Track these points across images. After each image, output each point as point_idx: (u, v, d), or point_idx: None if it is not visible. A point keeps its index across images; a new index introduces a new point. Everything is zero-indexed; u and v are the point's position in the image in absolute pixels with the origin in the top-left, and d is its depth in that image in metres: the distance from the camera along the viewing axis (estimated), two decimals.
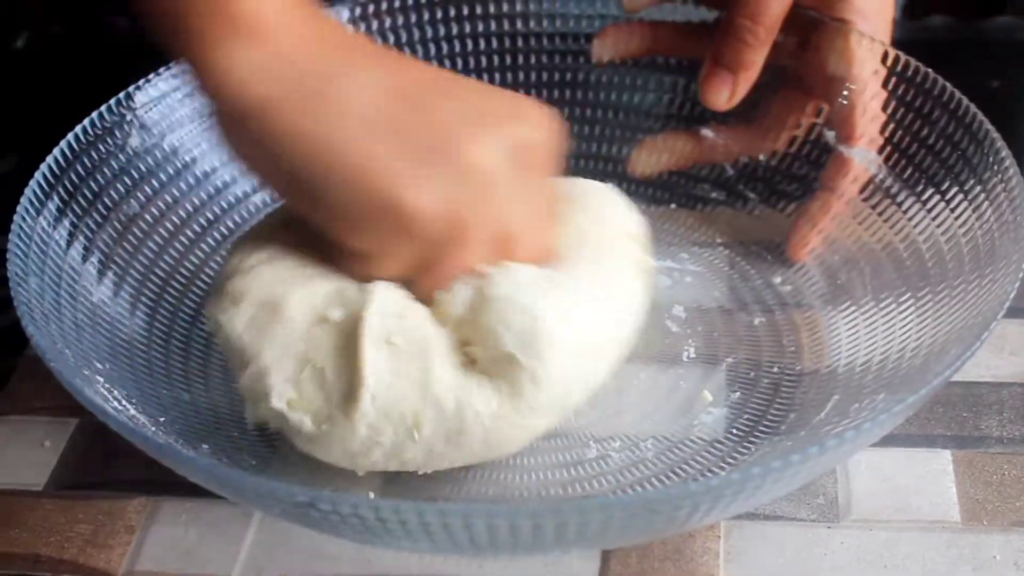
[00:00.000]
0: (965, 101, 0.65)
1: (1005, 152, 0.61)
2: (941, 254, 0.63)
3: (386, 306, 0.57)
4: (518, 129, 0.57)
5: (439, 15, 0.74)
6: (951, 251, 0.63)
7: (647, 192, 0.75)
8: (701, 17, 0.72)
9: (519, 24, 0.75)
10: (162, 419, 0.60)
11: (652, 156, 0.75)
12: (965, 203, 0.63)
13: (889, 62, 0.68)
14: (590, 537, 0.52)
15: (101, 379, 0.59)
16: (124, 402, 0.58)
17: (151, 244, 0.68)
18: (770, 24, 0.67)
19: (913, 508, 0.60)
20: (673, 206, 0.75)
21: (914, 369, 0.59)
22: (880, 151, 0.68)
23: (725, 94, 0.69)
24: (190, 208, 0.69)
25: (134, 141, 0.67)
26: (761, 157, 0.73)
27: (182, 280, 0.68)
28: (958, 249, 0.62)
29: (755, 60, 0.68)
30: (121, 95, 0.68)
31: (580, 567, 0.59)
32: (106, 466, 0.65)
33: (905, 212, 0.67)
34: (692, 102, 0.73)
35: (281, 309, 0.57)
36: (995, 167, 0.62)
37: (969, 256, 0.61)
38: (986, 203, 0.62)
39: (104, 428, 0.53)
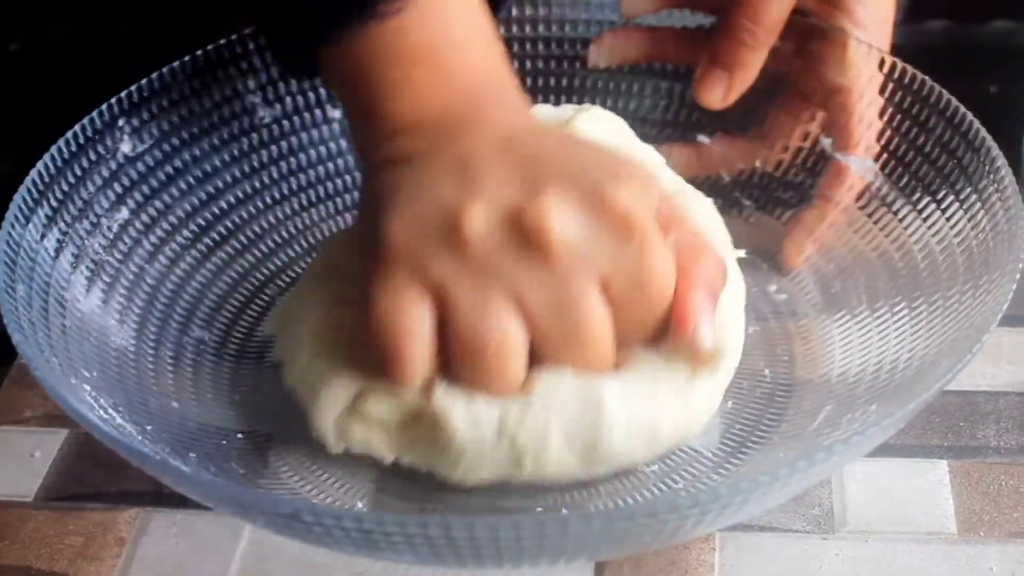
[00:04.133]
0: (962, 109, 0.64)
1: (1001, 161, 0.61)
2: (936, 263, 0.63)
3: None
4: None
5: None
6: (946, 259, 0.63)
7: None
8: (699, 23, 0.72)
9: (515, 29, 0.75)
10: (149, 427, 0.59)
11: None
12: (960, 211, 0.63)
13: (886, 69, 0.67)
14: (574, 549, 0.52)
15: (88, 387, 0.58)
16: (111, 410, 0.58)
17: (142, 251, 0.67)
18: (769, 26, 0.67)
19: (909, 519, 0.60)
20: None
21: (907, 380, 0.59)
22: (876, 159, 0.68)
23: (719, 93, 0.69)
24: (181, 215, 0.69)
25: (125, 147, 0.67)
26: (757, 164, 0.73)
27: (172, 288, 0.68)
28: (953, 258, 0.62)
29: (752, 61, 0.68)
30: (111, 101, 0.67)
31: None
32: (97, 477, 0.65)
33: (901, 220, 0.66)
34: (689, 108, 0.73)
35: None
36: (991, 176, 0.61)
37: (964, 265, 0.61)
38: (981, 211, 0.61)
39: (95, 439, 0.53)
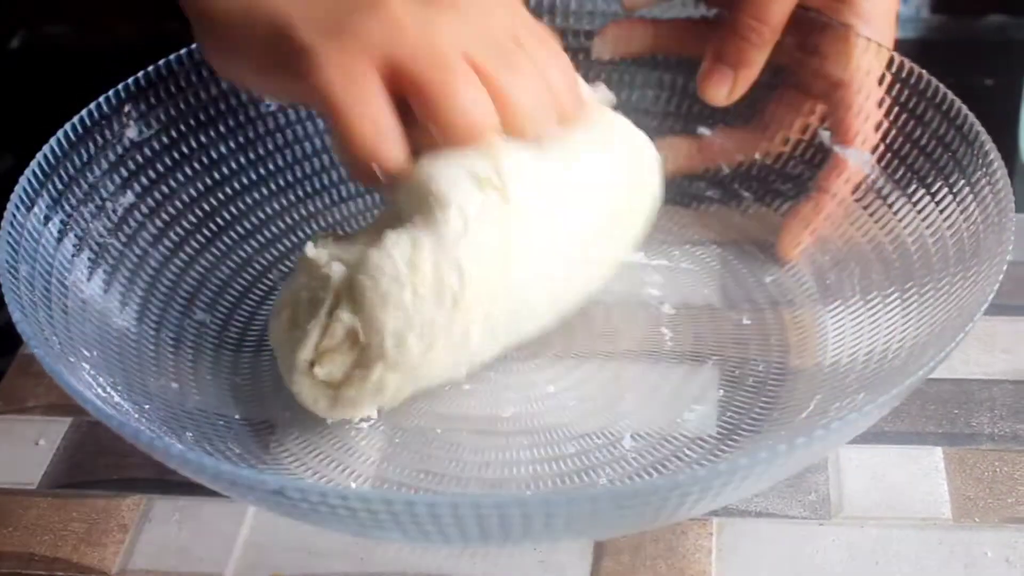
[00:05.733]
0: (957, 102, 0.65)
1: (994, 153, 0.62)
2: (927, 252, 0.64)
3: None
4: None
5: None
6: (937, 249, 0.63)
7: None
8: (702, 15, 0.72)
9: None
10: (147, 407, 0.60)
11: None
12: (953, 202, 0.64)
13: (884, 63, 0.68)
14: (564, 529, 0.52)
15: (87, 366, 0.59)
16: (109, 389, 0.59)
17: (145, 236, 0.68)
18: (775, 24, 0.68)
19: (904, 505, 0.61)
20: (668, 204, 0.74)
21: (896, 368, 0.60)
22: (873, 151, 0.68)
23: (724, 90, 0.69)
24: (186, 200, 0.70)
25: (131, 132, 0.68)
26: (757, 156, 0.73)
27: (175, 272, 0.68)
28: (944, 247, 0.63)
29: (757, 59, 0.68)
30: (116, 88, 0.68)
31: (573, 564, 0.59)
32: (100, 464, 0.65)
33: (895, 211, 0.67)
34: (691, 101, 0.73)
35: None
36: (984, 168, 0.62)
37: (954, 254, 0.62)
38: (973, 202, 0.62)
39: (98, 427, 0.53)
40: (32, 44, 0.99)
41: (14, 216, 0.60)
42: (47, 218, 0.63)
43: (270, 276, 0.71)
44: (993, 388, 0.66)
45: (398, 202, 0.59)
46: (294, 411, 0.64)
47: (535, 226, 0.59)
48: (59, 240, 0.63)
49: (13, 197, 0.61)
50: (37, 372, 0.68)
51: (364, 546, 0.60)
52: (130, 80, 0.68)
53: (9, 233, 0.59)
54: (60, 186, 0.64)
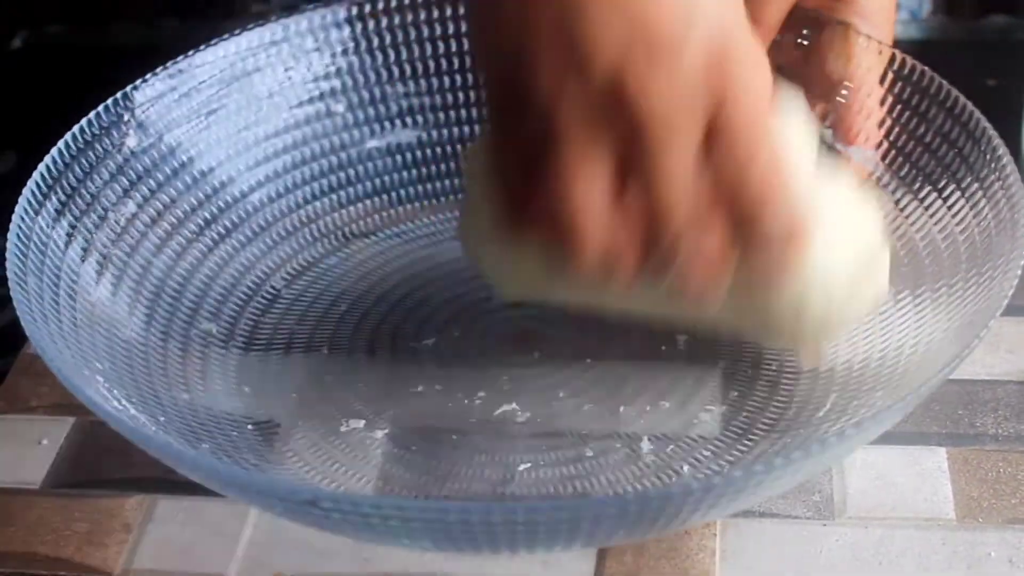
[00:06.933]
0: (963, 100, 0.65)
1: (1003, 151, 0.61)
2: (939, 253, 0.64)
3: None
4: None
5: (437, 15, 0.74)
6: (949, 250, 0.63)
7: None
8: None
9: None
10: (161, 418, 0.60)
11: None
12: (963, 202, 0.63)
13: (887, 61, 0.68)
14: (584, 535, 0.52)
15: (100, 379, 0.59)
16: (124, 401, 0.59)
17: (149, 243, 0.68)
18: (770, 24, 0.67)
19: (908, 505, 0.60)
20: None
21: (912, 368, 0.59)
22: (878, 149, 0.68)
23: None
24: (188, 207, 0.70)
25: (132, 141, 0.68)
26: None
27: (179, 280, 0.68)
28: (956, 247, 0.63)
29: None
30: (119, 94, 0.68)
31: (576, 565, 0.59)
32: (103, 464, 0.65)
33: (903, 211, 0.67)
34: None
35: None
36: (993, 166, 0.62)
37: (967, 255, 0.61)
38: (984, 202, 0.62)
39: (101, 426, 0.53)
40: (33, 44, 0.98)
41: (19, 226, 0.60)
42: (53, 228, 0.63)
43: (273, 280, 0.71)
44: (997, 389, 0.66)
45: None
46: (300, 413, 0.64)
47: None
48: (65, 249, 0.63)
49: (17, 210, 0.61)
50: (39, 372, 0.68)
51: (368, 547, 0.60)
52: (128, 88, 0.68)
53: (16, 245, 0.60)
54: (64, 196, 0.64)
